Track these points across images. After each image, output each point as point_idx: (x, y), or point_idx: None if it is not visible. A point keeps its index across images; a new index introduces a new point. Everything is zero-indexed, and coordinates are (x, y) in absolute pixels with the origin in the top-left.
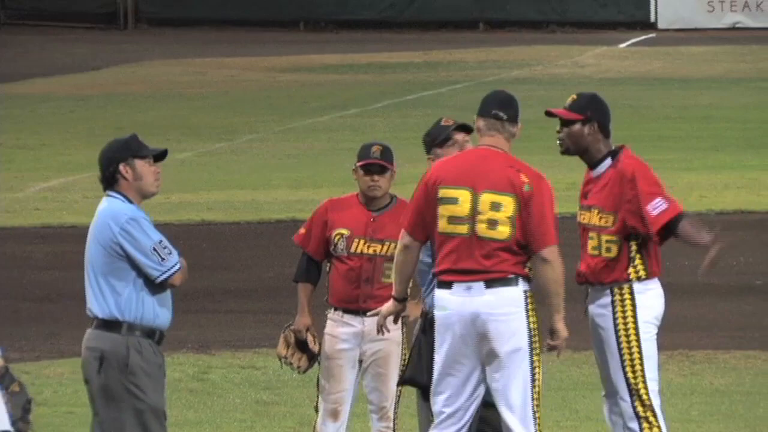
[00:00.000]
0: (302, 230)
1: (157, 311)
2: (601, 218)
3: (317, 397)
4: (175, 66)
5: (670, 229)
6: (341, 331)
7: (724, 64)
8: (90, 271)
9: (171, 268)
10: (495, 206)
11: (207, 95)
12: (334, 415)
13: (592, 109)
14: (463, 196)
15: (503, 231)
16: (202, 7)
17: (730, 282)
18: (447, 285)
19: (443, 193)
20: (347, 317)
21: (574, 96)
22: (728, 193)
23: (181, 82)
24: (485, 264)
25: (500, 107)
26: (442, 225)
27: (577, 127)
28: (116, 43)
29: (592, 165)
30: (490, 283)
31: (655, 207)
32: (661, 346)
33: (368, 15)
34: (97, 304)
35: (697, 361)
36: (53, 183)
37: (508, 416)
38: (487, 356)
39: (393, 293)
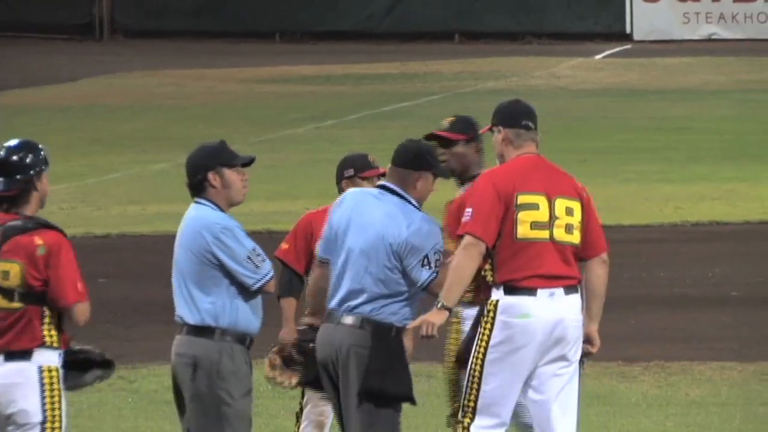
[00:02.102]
0: (284, 245)
1: (249, 317)
2: None
3: (300, 404)
4: (152, 77)
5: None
6: None
7: (700, 75)
8: (180, 278)
9: (266, 275)
10: (569, 211)
11: (184, 106)
12: (320, 426)
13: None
14: (542, 202)
15: (577, 236)
16: (179, 18)
17: (706, 293)
18: (530, 291)
19: (523, 199)
20: None
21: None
22: (704, 205)
23: (159, 94)
24: (564, 270)
25: (529, 118)
26: (524, 231)
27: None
28: (94, 54)
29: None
30: (568, 290)
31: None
32: (637, 357)
33: (345, 26)
34: (187, 311)
35: (673, 372)
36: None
37: (562, 420)
38: (551, 362)
39: (447, 302)
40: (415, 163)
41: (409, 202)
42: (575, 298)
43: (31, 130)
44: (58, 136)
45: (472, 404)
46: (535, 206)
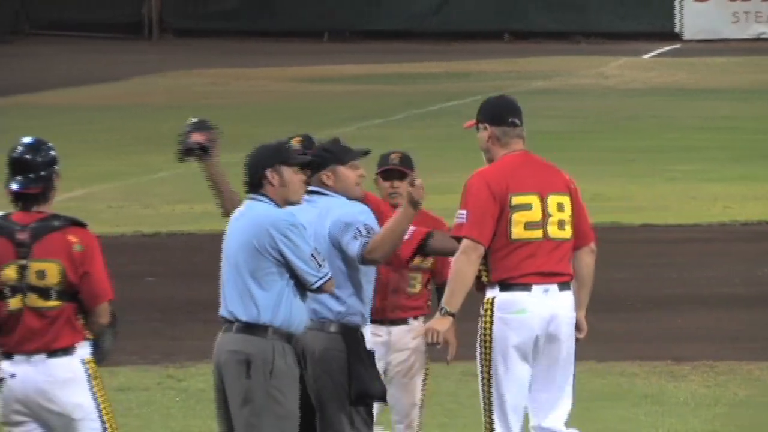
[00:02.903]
0: None
1: (302, 316)
2: None
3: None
4: (198, 77)
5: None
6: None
7: (748, 75)
8: (234, 273)
9: (327, 274)
10: (560, 207)
11: (230, 106)
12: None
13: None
14: (534, 201)
15: (569, 231)
16: (226, 17)
17: (754, 293)
18: (525, 287)
19: (517, 200)
20: (373, 328)
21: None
22: (752, 204)
23: (204, 93)
24: (558, 267)
25: (515, 114)
26: (518, 232)
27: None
28: (140, 53)
29: None
30: (562, 286)
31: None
32: (686, 357)
33: (392, 25)
34: (242, 308)
35: (721, 372)
36: (77, 193)
37: (555, 413)
38: (543, 357)
39: (450, 308)
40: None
41: (334, 196)
42: (568, 295)
43: (76, 128)
44: (103, 135)
45: (487, 405)
46: (528, 207)
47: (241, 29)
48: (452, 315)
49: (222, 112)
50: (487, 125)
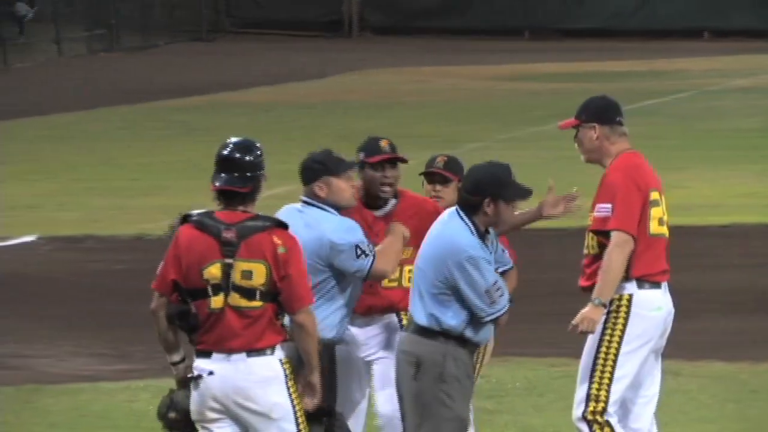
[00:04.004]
0: None
1: (481, 326)
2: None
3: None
4: (397, 74)
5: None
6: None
7: None
8: (422, 276)
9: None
10: (666, 206)
11: (429, 104)
12: None
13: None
14: (661, 198)
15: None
16: (427, 16)
17: None
18: (659, 285)
19: (654, 196)
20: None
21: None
22: None
23: (404, 91)
24: (668, 264)
25: (620, 114)
26: (654, 227)
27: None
28: (340, 51)
29: None
30: (668, 283)
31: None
32: None
33: (592, 23)
34: (418, 310)
35: None
36: (278, 191)
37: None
38: (655, 353)
39: (603, 299)
40: (305, 176)
41: (324, 209)
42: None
43: (277, 126)
44: (302, 132)
45: (604, 394)
46: (658, 203)
47: (440, 27)
48: (605, 305)
49: (422, 111)
50: (596, 125)
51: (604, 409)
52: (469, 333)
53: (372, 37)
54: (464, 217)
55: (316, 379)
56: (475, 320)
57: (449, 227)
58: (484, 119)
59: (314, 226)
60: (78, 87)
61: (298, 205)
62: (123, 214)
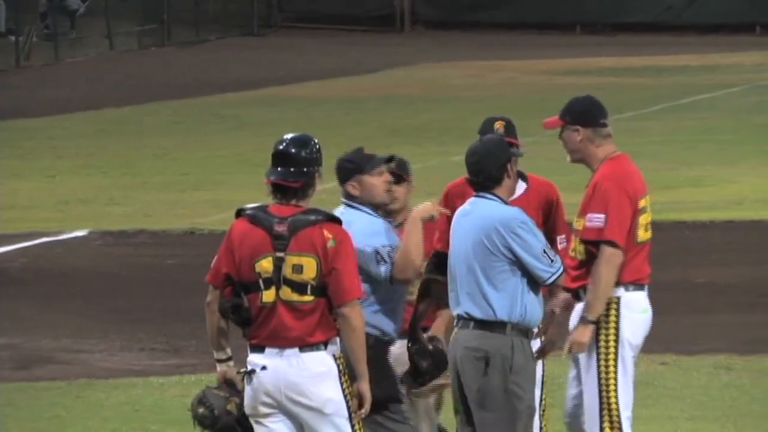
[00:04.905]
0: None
1: (538, 311)
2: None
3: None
4: (450, 69)
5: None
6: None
7: None
8: (466, 272)
9: (559, 269)
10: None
11: (482, 98)
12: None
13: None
14: (648, 203)
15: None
16: (479, 10)
17: None
18: (643, 288)
19: (643, 203)
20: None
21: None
22: None
23: (457, 85)
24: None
25: (605, 115)
26: (642, 234)
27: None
28: (392, 45)
29: None
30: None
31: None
32: None
33: (644, 17)
34: (477, 308)
35: None
36: (331, 185)
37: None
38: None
39: (592, 316)
40: (339, 176)
41: (359, 209)
42: None
43: (328, 121)
44: (355, 127)
45: (614, 399)
46: (645, 209)
47: (490, 21)
48: (594, 323)
49: (473, 105)
50: (579, 127)
51: (619, 416)
52: (527, 315)
53: (424, 32)
54: (487, 196)
55: (365, 387)
56: (530, 299)
57: (481, 209)
58: (536, 113)
59: (348, 228)
60: (130, 82)
61: (341, 208)
62: (175, 209)
